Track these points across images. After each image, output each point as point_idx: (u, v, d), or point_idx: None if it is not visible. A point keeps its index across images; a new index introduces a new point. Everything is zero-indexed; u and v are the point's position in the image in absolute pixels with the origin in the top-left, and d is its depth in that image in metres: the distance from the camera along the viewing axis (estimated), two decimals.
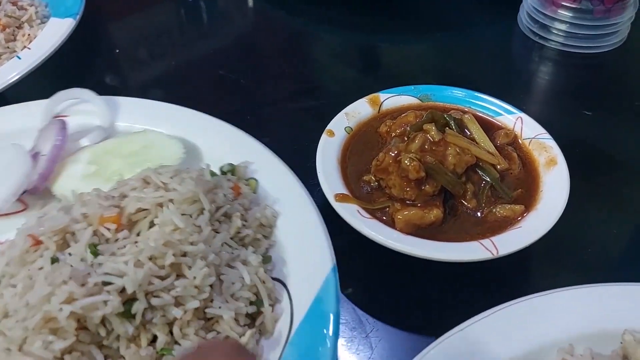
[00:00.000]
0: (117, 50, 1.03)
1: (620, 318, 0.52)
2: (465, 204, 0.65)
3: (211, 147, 0.72)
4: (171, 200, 0.56)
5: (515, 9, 1.05)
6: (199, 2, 1.16)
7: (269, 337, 0.53)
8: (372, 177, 0.67)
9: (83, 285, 0.48)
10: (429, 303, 0.62)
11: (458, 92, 0.77)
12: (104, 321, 0.48)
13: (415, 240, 0.60)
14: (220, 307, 0.52)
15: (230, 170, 0.66)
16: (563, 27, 0.97)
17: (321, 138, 0.69)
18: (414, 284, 0.63)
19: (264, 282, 0.56)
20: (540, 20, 0.98)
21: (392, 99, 0.76)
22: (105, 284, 0.48)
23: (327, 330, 0.49)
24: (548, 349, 0.51)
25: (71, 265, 0.50)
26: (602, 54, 0.97)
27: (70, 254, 0.52)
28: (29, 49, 0.87)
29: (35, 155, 0.70)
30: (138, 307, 0.49)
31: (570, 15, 0.96)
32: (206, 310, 0.52)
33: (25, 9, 0.95)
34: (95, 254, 0.51)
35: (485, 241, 0.60)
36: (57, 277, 0.49)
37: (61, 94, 0.78)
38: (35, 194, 0.70)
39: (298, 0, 1.13)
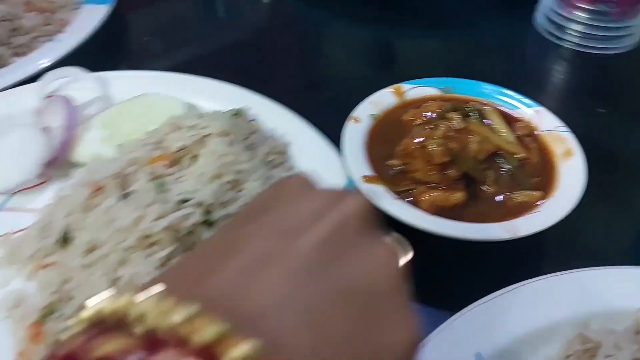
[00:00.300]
0: (146, 38, 1.04)
1: (635, 298, 0.55)
2: (486, 189, 0.68)
3: (207, 103, 0.77)
4: (207, 136, 0.62)
5: (532, 10, 1.07)
6: None
7: None
8: (397, 162, 0.69)
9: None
10: (449, 280, 0.65)
11: (479, 85, 0.79)
12: (190, 232, 0.55)
13: (440, 220, 0.62)
14: None
15: (236, 114, 0.72)
16: (579, 28, 0.99)
17: (347, 124, 0.72)
18: (436, 262, 0.66)
19: None
20: (557, 20, 1.01)
21: (415, 90, 0.79)
22: (183, 201, 0.55)
23: None
24: (564, 325, 0.54)
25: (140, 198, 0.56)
26: (617, 55, 0.99)
27: (133, 192, 0.58)
28: (65, 33, 0.90)
29: (45, 130, 0.73)
30: (219, 214, 0.56)
31: (586, 16, 0.98)
32: None
33: None
34: (160, 185, 0.57)
35: (505, 223, 0.62)
36: (140, 204, 0.54)
37: (50, 74, 0.80)
38: (54, 164, 0.72)
39: None
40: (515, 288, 0.56)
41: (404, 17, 1.12)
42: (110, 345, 0.23)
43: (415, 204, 0.65)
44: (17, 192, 0.70)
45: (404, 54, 1.10)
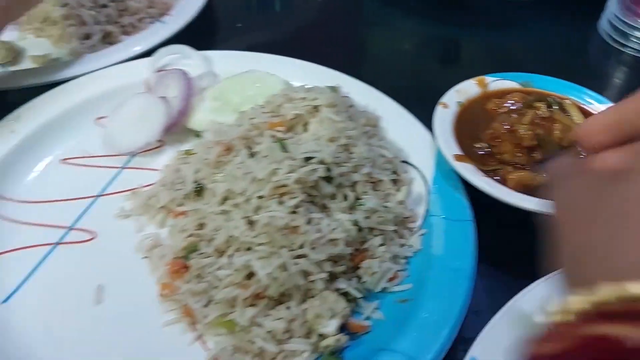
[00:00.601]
0: (239, 25, 1.13)
1: None
2: None
3: (300, 80, 0.83)
4: (317, 107, 0.71)
5: (597, 16, 1.14)
6: None
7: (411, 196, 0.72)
8: (485, 144, 0.76)
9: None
10: (527, 252, 0.71)
11: (556, 81, 0.86)
12: (313, 185, 0.62)
13: (525, 196, 0.69)
14: (379, 174, 0.69)
15: (333, 89, 0.78)
16: None
17: (437, 109, 0.79)
18: (518, 235, 0.72)
19: (395, 157, 0.74)
20: (620, 27, 1.07)
21: (497, 82, 0.86)
22: (308, 159, 0.62)
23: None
24: None
25: (265, 156, 0.64)
26: None
27: (258, 152, 0.66)
28: (170, 15, 0.99)
29: (163, 99, 0.80)
30: (336, 172, 0.63)
31: None
32: (371, 175, 0.68)
33: None
34: (283, 146, 0.64)
35: None
36: (271, 160, 0.62)
37: (162, 51, 0.88)
38: (172, 130, 0.80)
39: None
40: None
41: (471, 17, 1.20)
42: (617, 329, 0.23)
43: (502, 182, 0.72)
44: (138, 153, 0.78)
45: (471, 51, 1.17)
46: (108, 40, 0.97)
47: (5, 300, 0.62)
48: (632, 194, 0.31)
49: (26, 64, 0.93)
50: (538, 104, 0.77)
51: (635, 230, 0.29)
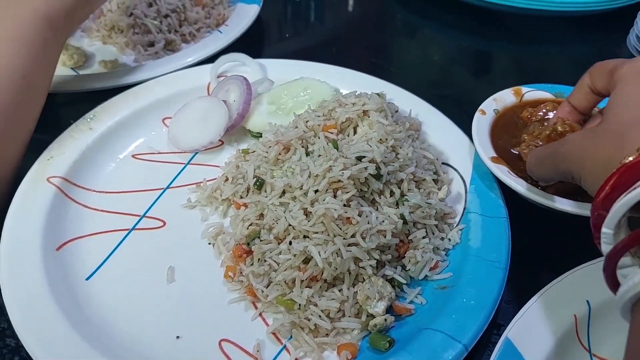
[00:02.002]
0: (287, 35, 1.21)
1: None
2: None
3: (347, 88, 0.90)
4: (366, 111, 0.78)
5: (626, 31, 1.19)
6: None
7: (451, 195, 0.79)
8: (521, 148, 0.82)
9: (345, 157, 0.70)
10: (554, 248, 0.77)
11: None
12: (364, 181, 0.69)
13: (555, 197, 0.75)
14: (422, 173, 0.76)
15: (379, 96, 0.84)
16: None
17: (475, 115, 0.85)
18: (547, 232, 0.78)
19: (437, 159, 0.80)
20: None
21: (532, 93, 0.92)
22: (359, 158, 0.69)
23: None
24: None
25: (320, 155, 0.71)
26: None
27: (313, 151, 0.73)
28: (227, 25, 1.09)
29: (224, 102, 0.88)
30: (384, 170, 0.70)
31: None
32: (415, 174, 0.75)
33: None
34: (337, 146, 0.71)
35: None
36: (326, 158, 0.69)
37: (223, 58, 0.96)
38: (231, 131, 0.88)
39: (418, 1, 1.33)
40: None
41: (503, 32, 1.26)
42: None
43: (534, 183, 0.78)
44: (201, 151, 0.86)
45: (503, 64, 1.23)
46: (170, 47, 1.06)
47: (88, 278, 0.70)
48: None
49: (96, 69, 1.02)
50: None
51: None
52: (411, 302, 0.67)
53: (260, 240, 0.69)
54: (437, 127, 0.86)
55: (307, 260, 0.66)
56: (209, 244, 0.73)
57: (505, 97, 0.90)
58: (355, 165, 0.69)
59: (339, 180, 0.68)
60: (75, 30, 0.89)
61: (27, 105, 0.75)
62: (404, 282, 0.67)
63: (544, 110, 0.87)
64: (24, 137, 0.76)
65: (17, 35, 0.72)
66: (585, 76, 0.68)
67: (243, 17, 1.09)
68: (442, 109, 0.91)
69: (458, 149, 0.83)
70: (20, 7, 0.74)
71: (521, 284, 0.70)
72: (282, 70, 0.96)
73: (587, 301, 0.64)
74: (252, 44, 1.10)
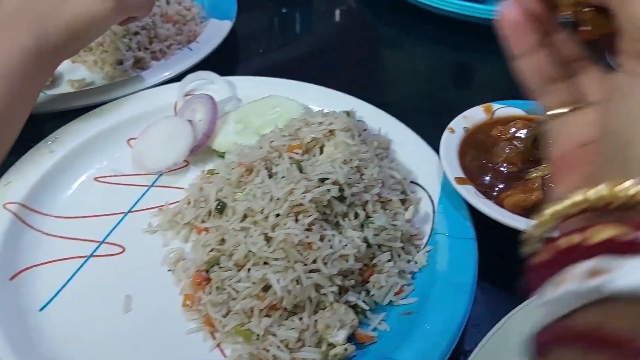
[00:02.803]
0: (261, 50, 1.20)
1: None
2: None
3: (318, 105, 0.89)
4: (332, 131, 0.76)
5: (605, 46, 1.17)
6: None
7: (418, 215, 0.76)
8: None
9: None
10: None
11: None
12: (327, 205, 0.67)
13: (519, 217, 0.73)
14: (388, 194, 0.73)
15: (347, 114, 0.83)
16: None
17: (444, 133, 0.83)
18: (516, 252, 0.76)
19: (405, 178, 0.78)
20: None
21: (503, 109, 0.90)
22: (322, 180, 0.67)
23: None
24: None
25: (283, 177, 0.69)
26: None
27: (277, 172, 0.71)
28: (197, 42, 1.06)
29: (190, 122, 0.86)
30: (348, 192, 0.68)
31: None
32: (381, 195, 0.72)
33: (189, 9, 1.14)
34: (300, 167, 0.70)
35: None
36: (288, 180, 0.67)
37: (190, 76, 0.94)
38: (196, 152, 0.86)
39: (398, 14, 1.30)
40: None
41: (484, 44, 1.23)
42: (608, 230, 0.27)
43: (500, 203, 0.76)
44: (166, 172, 0.84)
45: (484, 77, 1.22)
46: (139, 65, 1.03)
47: (41, 309, 0.67)
48: None
49: (64, 88, 1.00)
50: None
51: None
52: (375, 329, 0.65)
53: (220, 267, 0.66)
54: (407, 145, 0.85)
55: (266, 288, 0.63)
56: (169, 270, 0.71)
57: (475, 115, 0.89)
58: (318, 187, 0.67)
59: (301, 204, 0.66)
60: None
61: None
62: (368, 308, 0.65)
63: (514, 129, 0.86)
64: None
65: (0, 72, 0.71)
66: None
67: (215, 33, 1.07)
68: (421, 123, 0.89)
69: (427, 168, 0.81)
70: (9, 43, 0.73)
71: (489, 307, 0.69)
72: (251, 88, 0.94)
73: None
74: (225, 61, 1.09)
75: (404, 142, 0.85)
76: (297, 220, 0.66)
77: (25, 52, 0.74)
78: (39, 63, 0.76)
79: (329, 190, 0.67)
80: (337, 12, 1.37)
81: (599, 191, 0.29)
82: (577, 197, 0.31)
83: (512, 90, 1.00)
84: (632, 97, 0.31)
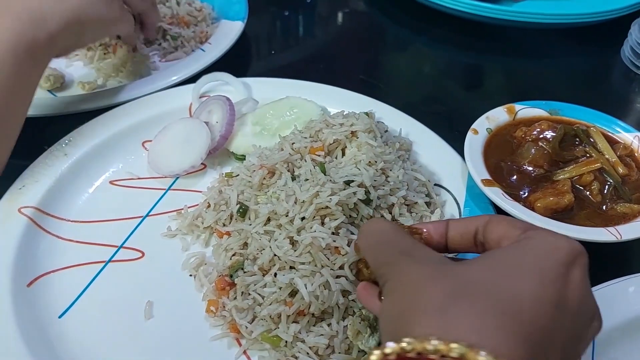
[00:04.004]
0: (273, 52, 1.18)
1: None
2: (592, 199, 0.77)
3: (337, 107, 0.86)
4: (354, 132, 0.75)
5: (619, 43, 1.16)
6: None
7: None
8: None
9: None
10: None
11: (583, 110, 0.89)
12: (353, 207, 0.66)
13: (552, 221, 0.72)
14: (414, 197, 0.73)
15: (367, 115, 0.81)
16: None
17: (467, 134, 0.82)
18: None
19: (429, 180, 0.77)
20: None
21: (525, 110, 0.89)
22: (348, 182, 0.65)
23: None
24: None
25: (306, 179, 0.67)
26: None
27: (299, 175, 0.69)
28: (210, 44, 1.05)
29: (206, 124, 0.85)
30: (374, 195, 0.67)
31: None
32: (407, 198, 0.71)
33: (200, 11, 1.12)
34: (324, 170, 0.68)
35: (610, 228, 0.71)
36: (313, 183, 0.66)
37: (205, 78, 0.92)
38: (214, 154, 0.84)
39: (408, 15, 1.29)
40: (621, 280, 0.65)
41: (495, 45, 1.23)
42: None
43: (530, 205, 0.75)
44: (182, 175, 0.82)
45: (496, 78, 1.20)
46: (151, 68, 1.01)
47: (60, 316, 0.65)
48: None
49: (74, 90, 0.98)
50: None
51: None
52: None
53: (244, 272, 0.65)
54: (429, 147, 0.83)
55: (293, 293, 0.62)
56: (190, 275, 0.69)
57: (498, 116, 0.87)
58: (344, 190, 0.65)
59: (327, 207, 0.64)
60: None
61: None
62: None
63: (538, 130, 0.84)
64: None
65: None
66: (482, 217, 0.52)
67: (227, 34, 1.06)
68: (434, 127, 0.88)
69: (451, 170, 0.79)
70: (5, 32, 0.69)
71: None
72: (267, 89, 0.93)
73: None
74: (236, 62, 1.07)
75: (425, 143, 0.84)
76: (323, 224, 0.64)
77: (21, 41, 0.70)
78: (31, 54, 0.71)
79: (354, 193, 0.66)
80: (347, 13, 1.35)
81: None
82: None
83: (524, 92, 1.01)
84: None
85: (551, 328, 0.40)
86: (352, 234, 0.65)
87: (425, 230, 0.54)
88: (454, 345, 0.35)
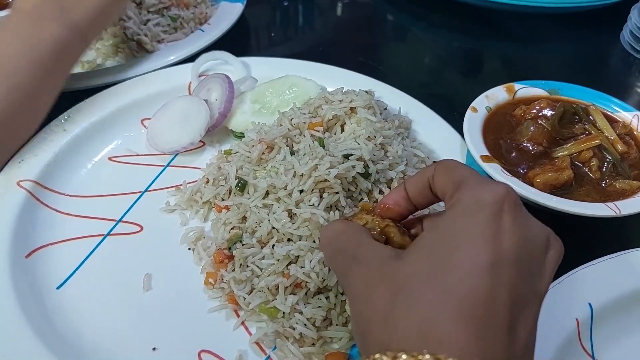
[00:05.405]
0: (273, 34, 1.18)
1: None
2: (591, 175, 0.77)
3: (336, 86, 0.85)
4: (353, 108, 0.74)
5: (619, 27, 1.16)
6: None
7: None
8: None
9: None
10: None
11: (582, 89, 0.89)
12: (352, 180, 0.66)
13: (551, 195, 0.72)
14: (413, 172, 0.71)
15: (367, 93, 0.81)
16: None
17: (467, 112, 0.82)
18: None
19: (428, 157, 0.78)
20: None
21: (525, 89, 0.89)
22: (346, 156, 0.65)
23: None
24: None
25: (305, 154, 0.67)
26: None
27: (298, 150, 0.69)
28: (209, 24, 1.05)
29: (205, 102, 0.84)
30: (373, 169, 0.67)
31: None
32: (405, 173, 0.71)
33: None
34: (322, 144, 0.68)
35: (609, 203, 0.71)
36: (312, 156, 0.65)
37: (204, 56, 0.93)
38: (213, 131, 0.84)
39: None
40: (618, 255, 0.65)
41: (494, 30, 1.23)
42: None
43: (529, 181, 0.74)
44: (181, 152, 0.82)
45: (494, 63, 1.20)
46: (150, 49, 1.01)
47: (59, 287, 0.65)
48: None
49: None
50: None
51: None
52: None
53: (242, 245, 0.65)
54: (428, 125, 0.83)
55: (291, 264, 0.62)
56: (189, 249, 0.69)
57: (497, 94, 0.87)
58: (343, 163, 0.65)
59: (326, 180, 0.64)
60: None
61: (26, 119, 0.74)
62: None
63: (537, 108, 0.84)
64: (12, 149, 0.75)
65: (37, 57, 0.72)
66: (430, 169, 0.51)
67: (226, 15, 1.06)
68: (433, 108, 0.87)
69: (449, 147, 0.79)
70: (38, 32, 0.73)
71: None
72: (266, 68, 0.93)
73: (589, 304, 0.60)
74: (235, 44, 1.06)
75: (424, 121, 0.84)
76: (321, 197, 0.64)
77: (55, 39, 0.73)
78: (68, 50, 0.76)
79: (353, 166, 0.66)
80: None
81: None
82: None
83: (524, 77, 1.01)
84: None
85: (492, 294, 0.39)
86: (350, 208, 0.64)
87: (389, 203, 0.54)
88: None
